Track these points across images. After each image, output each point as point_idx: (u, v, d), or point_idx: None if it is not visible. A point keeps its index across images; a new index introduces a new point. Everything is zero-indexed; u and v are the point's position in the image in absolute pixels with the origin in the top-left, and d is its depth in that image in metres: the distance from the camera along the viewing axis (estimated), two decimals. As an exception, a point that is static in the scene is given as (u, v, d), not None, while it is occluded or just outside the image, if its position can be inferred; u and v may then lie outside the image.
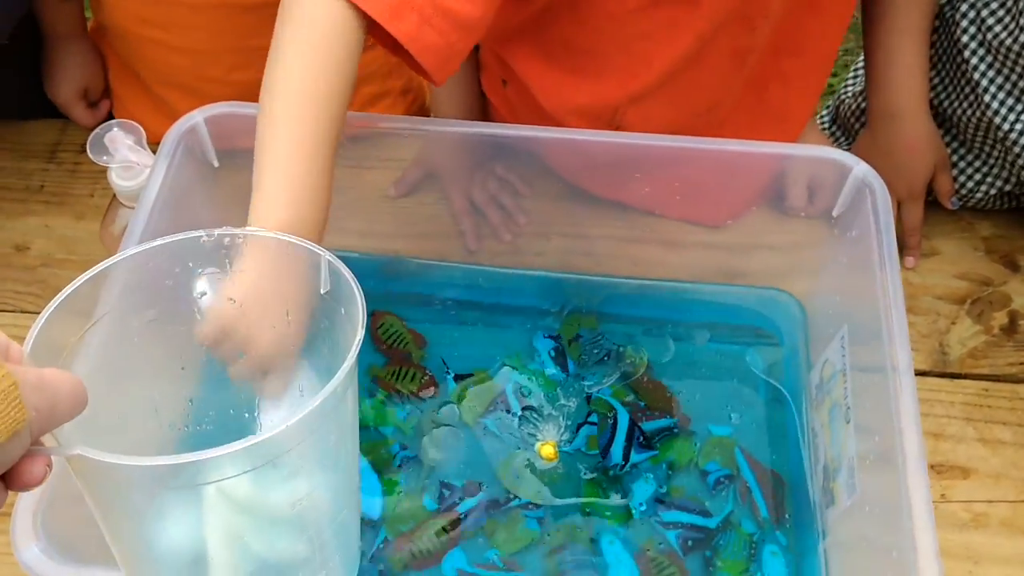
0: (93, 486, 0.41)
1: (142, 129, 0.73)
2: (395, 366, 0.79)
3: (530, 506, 0.72)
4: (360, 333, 0.42)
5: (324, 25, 0.62)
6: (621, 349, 0.81)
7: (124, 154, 0.72)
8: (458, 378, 0.79)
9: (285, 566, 0.45)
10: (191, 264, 0.48)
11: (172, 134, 0.71)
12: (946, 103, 0.95)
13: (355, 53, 0.63)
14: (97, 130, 0.72)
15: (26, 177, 0.95)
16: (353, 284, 0.44)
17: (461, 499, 0.72)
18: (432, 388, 0.78)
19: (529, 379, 0.79)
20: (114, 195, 0.76)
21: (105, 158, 0.72)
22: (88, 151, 0.71)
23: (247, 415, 0.54)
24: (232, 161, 0.75)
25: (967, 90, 0.92)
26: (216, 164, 0.75)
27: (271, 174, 0.60)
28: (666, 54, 0.78)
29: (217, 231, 0.47)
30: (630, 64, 0.80)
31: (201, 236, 0.47)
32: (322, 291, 0.45)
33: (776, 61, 0.82)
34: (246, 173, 0.77)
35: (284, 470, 0.41)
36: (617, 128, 0.83)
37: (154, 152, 0.72)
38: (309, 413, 0.39)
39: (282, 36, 0.62)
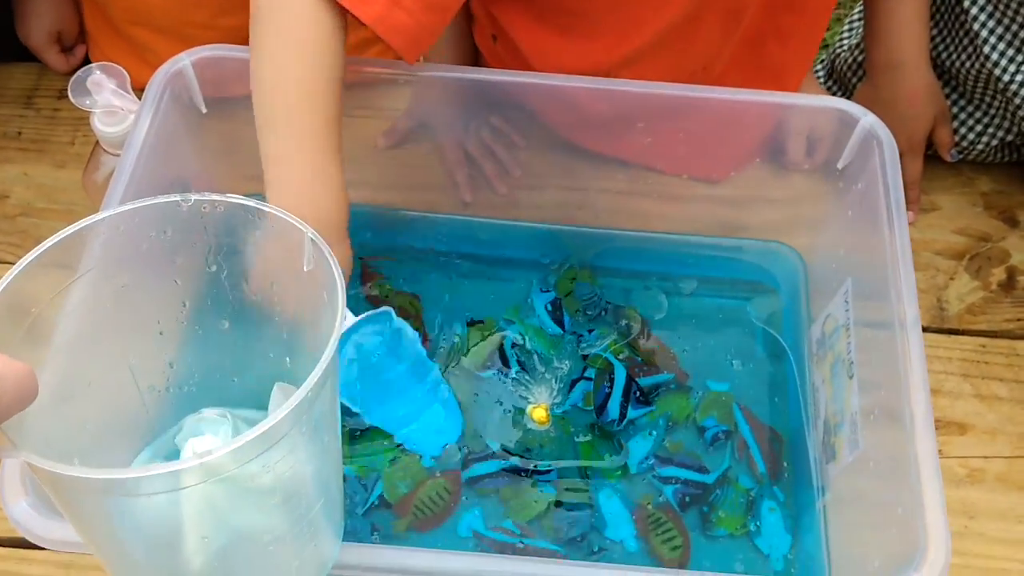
0: (49, 483, 0.39)
1: (126, 72, 0.70)
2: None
3: (539, 471, 0.71)
4: (340, 319, 0.40)
5: (302, 16, 0.62)
6: (619, 307, 0.80)
7: (107, 98, 0.69)
8: (471, 323, 0.78)
9: (268, 541, 0.44)
10: (167, 230, 0.45)
11: (158, 78, 0.69)
12: (944, 55, 0.94)
13: (339, 35, 0.63)
14: (79, 72, 0.69)
15: (2, 123, 0.92)
16: (335, 270, 0.42)
17: (465, 459, 0.71)
18: (425, 343, 0.77)
19: (525, 334, 0.77)
20: (97, 141, 0.73)
21: (88, 102, 0.69)
22: (69, 94, 0.68)
23: (235, 379, 0.52)
24: (220, 107, 0.73)
25: (966, 42, 0.91)
26: (204, 110, 0.72)
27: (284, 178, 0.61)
28: (658, 15, 0.77)
29: (194, 196, 0.44)
30: (621, 26, 0.78)
31: (179, 200, 0.44)
32: (305, 268, 0.44)
33: (773, 18, 0.80)
34: (235, 120, 0.75)
35: (276, 453, 0.40)
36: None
37: (136, 98, 0.69)
38: (300, 402, 0.37)
39: (263, 32, 0.62)
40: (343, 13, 0.63)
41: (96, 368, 0.47)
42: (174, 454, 0.51)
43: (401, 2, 0.63)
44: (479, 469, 0.71)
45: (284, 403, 0.37)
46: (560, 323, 0.79)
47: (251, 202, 0.44)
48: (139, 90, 0.70)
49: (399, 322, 0.69)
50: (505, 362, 0.76)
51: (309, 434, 0.41)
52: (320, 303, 0.42)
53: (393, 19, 0.64)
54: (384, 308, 0.68)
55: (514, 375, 0.75)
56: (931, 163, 0.94)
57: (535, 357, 0.76)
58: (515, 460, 0.71)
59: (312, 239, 0.43)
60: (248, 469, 0.38)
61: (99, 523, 0.41)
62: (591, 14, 0.79)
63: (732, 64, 0.83)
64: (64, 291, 0.42)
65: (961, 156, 0.96)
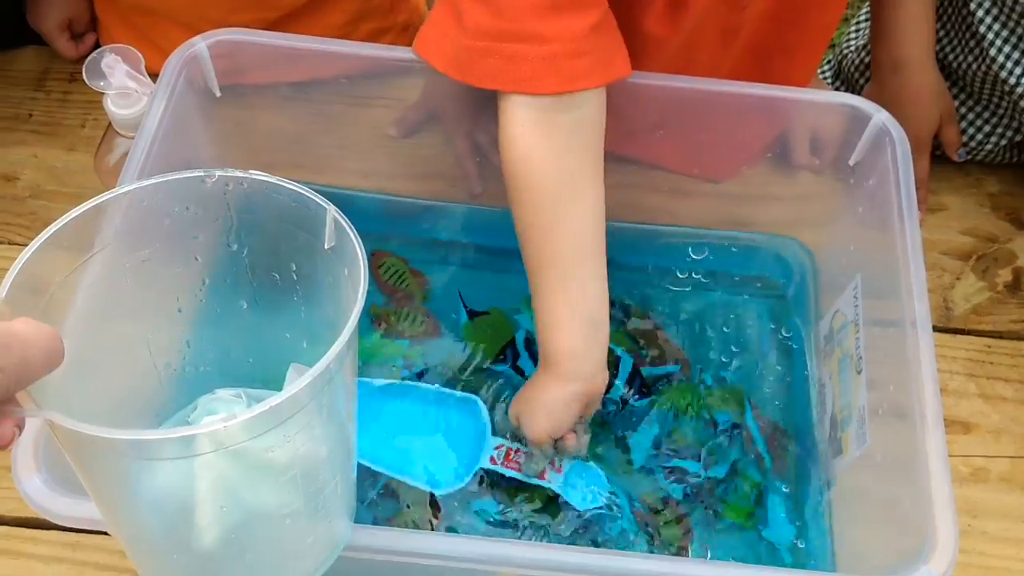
0: (70, 446, 0.39)
1: (140, 55, 0.70)
2: (396, 306, 0.78)
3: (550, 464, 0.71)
4: (361, 295, 0.40)
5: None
6: (626, 303, 0.80)
7: (122, 80, 0.69)
8: (472, 315, 0.77)
9: (284, 515, 0.44)
10: (190, 207, 0.46)
11: (173, 61, 0.69)
12: (951, 56, 0.94)
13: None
14: (94, 54, 0.69)
15: (14, 106, 0.92)
16: (357, 246, 0.42)
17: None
18: (435, 333, 0.77)
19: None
20: (109, 124, 0.73)
21: (102, 83, 0.69)
22: (84, 75, 0.68)
23: (250, 360, 0.53)
24: (235, 93, 0.73)
25: (972, 43, 0.91)
26: (218, 95, 0.72)
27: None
28: (660, 40, 0.76)
29: (218, 172, 0.44)
30: (629, 46, 0.78)
31: (202, 176, 0.44)
32: (326, 246, 0.44)
33: (778, 33, 0.80)
34: (249, 106, 0.75)
35: (292, 428, 0.40)
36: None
37: (151, 81, 0.69)
38: (317, 377, 0.37)
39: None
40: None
41: (113, 343, 0.47)
42: None
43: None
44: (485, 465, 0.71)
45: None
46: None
47: (274, 179, 0.44)
48: (151, 76, 0.70)
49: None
50: (516, 356, 0.76)
51: (327, 411, 0.41)
52: (341, 280, 0.42)
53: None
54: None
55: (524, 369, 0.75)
56: (938, 163, 0.94)
57: None
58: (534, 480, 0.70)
59: (336, 216, 0.43)
60: (264, 441, 0.38)
61: (117, 490, 0.41)
62: None
63: (737, 77, 0.83)
64: (84, 265, 0.42)
65: (969, 156, 0.96)
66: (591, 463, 0.70)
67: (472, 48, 0.61)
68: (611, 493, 0.69)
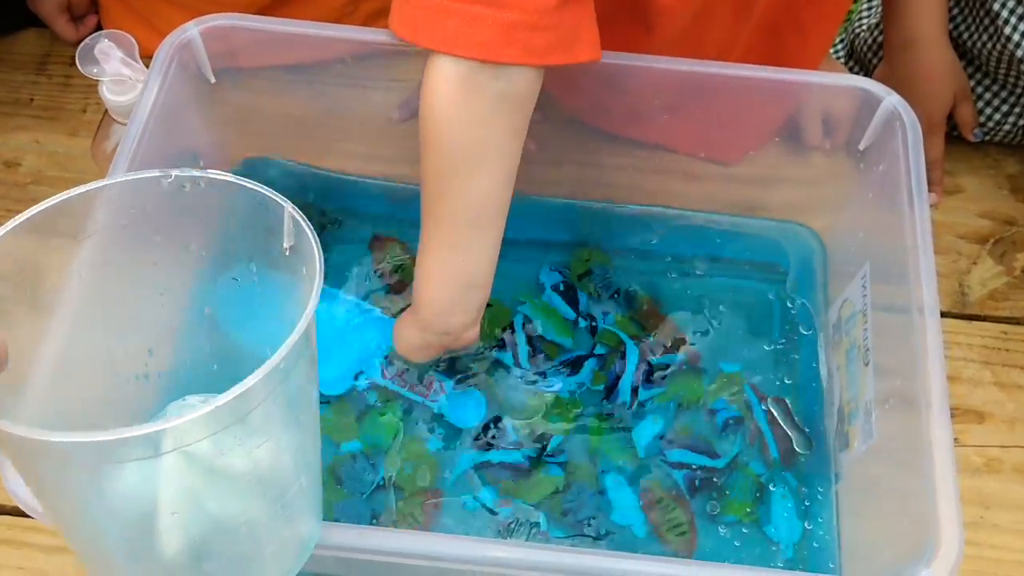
0: (20, 458, 0.38)
1: (135, 41, 0.69)
2: (395, 291, 0.77)
3: (553, 453, 0.70)
4: (316, 293, 0.40)
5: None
6: (632, 286, 0.78)
7: (116, 66, 0.68)
8: None
9: (243, 527, 0.44)
10: (146, 207, 0.44)
11: (165, 47, 0.68)
12: (967, 35, 0.92)
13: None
14: (87, 40, 0.68)
15: (15, 90, 0.91)
16: (315, 245, 0.41)
17: (476, 439, 0.71)
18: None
19: (536, 316, 0.76)
20: (106, 110, 0.73)
21: (95, 70, 0.68)
22: (77, 62, 0.68)
23: (214, 367, 0.51)
24: (232, 78, 0.72)
25: (987, 22, 0.89)
26: (213, 80, 0.71)
27: None
28: (674, 11, 0.75)
29: (175, 172, 0.43)
30: (640, 23, 0.77)
31: (159, 176, 0.43)
32: (285, 245, 0.43)
33: (792, 10, 0.79)
34: (245, 90, 0.74)
35: (246, 429, 0.39)
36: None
37: (145, 67, 0.68)
38: (273, 369, 0.37)
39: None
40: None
41: (77, 353, 0.46)
42: None
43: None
44: (492, 457, 0.70)
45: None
46: (573, 304, 0.77)
47: (232, 178, 0.43)
48: (150, 59, 0.69)
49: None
50: (514, 341, 0.75)
51: (283, 409, 0.40)
52: (300, 279, 0.41)
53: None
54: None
55: (525, 357, 0.74)
56: (956, 144, 0.92)
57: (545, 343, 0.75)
58: (527, 450, 0.70)
59: (293, 214, 0.42)
60: (220, 443, 0.37)
61: (70, 501, 0.41)
62: (612, 13, 0.77)
63: (747, 56, 0.81)
64: (37, 273, 0.42)
65: (987, 137, 0.93)
66: (473, 387, 0.72)
67: (431, 7, 0.59)
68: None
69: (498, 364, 0.74)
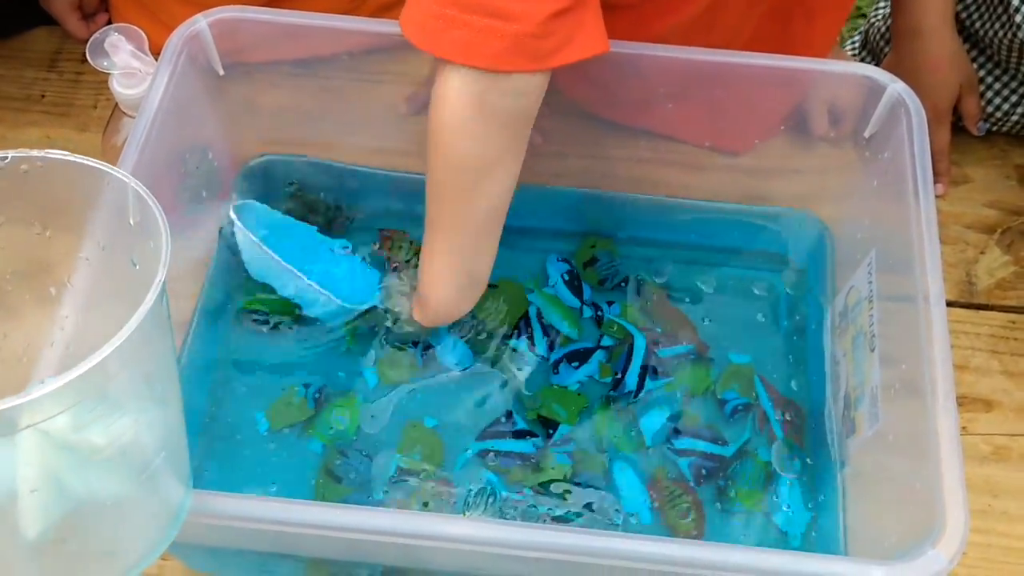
0: None
1: (144, 34, 0.70)
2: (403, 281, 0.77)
3: (560, 442, 0.70)
4: (163, 268, 0.40)
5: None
6: (639, 276, 0.79)
7: (126, 60, 0.69)
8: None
9: (108, 501, 0.43)
10: None
11: (174, 40, 0.68)
12: (979, 23, 0.91)
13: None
14: (97, 34, 0.69)
15: (26, 86, 0.92)
16: (160, 219, 0.41)
17: (483, 432, 0.71)
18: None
19: (542, 306, 0.76)
20: (116, 104, 0.73)
21: (105, 63, 0.69)
22: (87, 56, 0.68)
23: (70, 349, 0.51)
24: (241, 71, 0.72)
25: (1000, 10, 0.88)
26: (221, 72, 0.72)
27: None
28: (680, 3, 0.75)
29: (11, 153, 0.43)
30: (654, 8, 0.77)
31: None
32: (131, 221, 0.43)
33: None
34: (256, 83, 0.75)
35: (103, 404, 0.39)
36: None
37: (155, 60, 0.69)
38: (126, 341, 0.37)
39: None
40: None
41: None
42: None
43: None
44: (497, 445, 0.70)
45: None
46: (578, 293, 0.78)
47: (72, 157, 0.43)
48: (159, 54, 0.69)
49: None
50: (530, 330, 0.75)
51: (141, 381, 0.40)
52: (148, 255, 0.41)
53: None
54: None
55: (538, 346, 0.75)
56: (963, 134, 0.92)
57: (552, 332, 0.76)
58: (535, 440, 0.70)
59: (136, 189, 0.42)
60: (79, 418, 0.37)
61: None
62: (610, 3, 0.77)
63: (755, 40, 0.81)
64: None
65: (995, 127, 0.93)
66: (460, 341, 0.75)
67: (441, 16, 0.59)
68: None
69: (513, 351, 0.75)
